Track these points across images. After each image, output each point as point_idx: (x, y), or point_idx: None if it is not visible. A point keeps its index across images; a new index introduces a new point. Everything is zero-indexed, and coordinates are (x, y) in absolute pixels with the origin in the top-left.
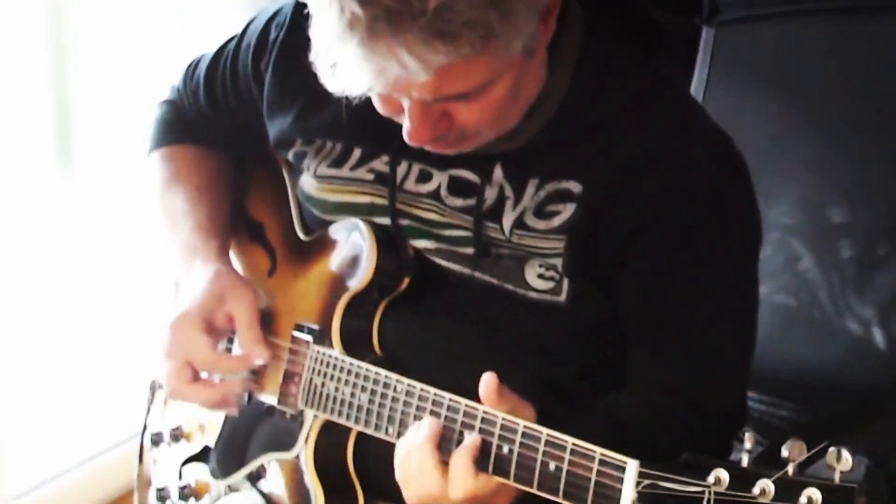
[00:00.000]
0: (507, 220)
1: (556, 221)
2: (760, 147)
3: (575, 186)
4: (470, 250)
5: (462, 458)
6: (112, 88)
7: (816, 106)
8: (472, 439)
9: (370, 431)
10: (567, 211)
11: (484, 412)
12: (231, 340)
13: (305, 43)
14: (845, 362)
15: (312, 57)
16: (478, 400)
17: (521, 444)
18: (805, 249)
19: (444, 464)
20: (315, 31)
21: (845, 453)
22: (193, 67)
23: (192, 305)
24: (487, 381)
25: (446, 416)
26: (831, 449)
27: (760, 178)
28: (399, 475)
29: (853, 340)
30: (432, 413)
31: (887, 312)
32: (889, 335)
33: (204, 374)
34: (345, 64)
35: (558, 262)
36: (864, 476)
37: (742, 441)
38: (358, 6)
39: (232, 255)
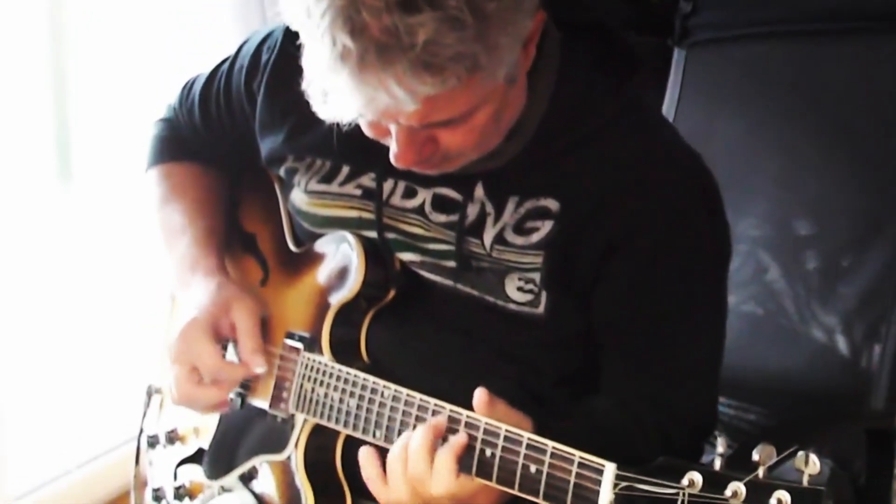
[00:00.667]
0: (488, 235)
1: (535, 238)
2: (730, 163)
3: (553, 204)
4: (453, 263)
5: (446, 455)
6: (111, 105)
7: (783, 124)
8: (457, 439)
9: (358, 435)
10: (545, 228)
11: (467, 416)
12: (226, 347)
13: (295, 65)
14: (810, 368)
15: (305, 85)
16: (460, 405)
17: (504, 448)
18: (772, 260)
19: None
20: (307, 61)
21: (813, 457)
22: (189, 87)
23: (202, 313)
24: (480, 398)
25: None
26: (800, 453)
27: (730, 192)
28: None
29: (818, 347)
30: (417, 418)
31: (850, 321)
32: (852, 342)
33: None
34: (336, 92)
35: (536, 276)
36: (829, 477)
37: (714, 445)
38: (349, 39)
39: (226, 264)
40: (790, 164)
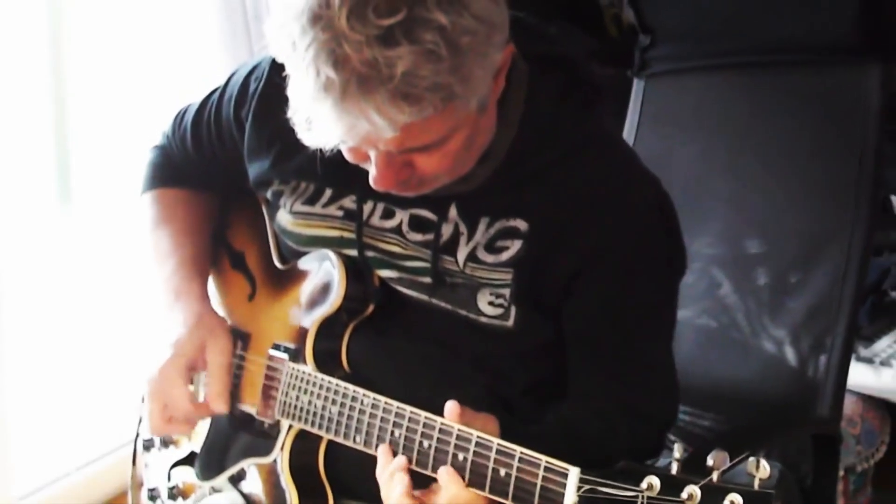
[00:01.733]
0: (461, 253)
1: (505, 256)
2: (685, 186)
3: (521, 224)
4: (428, 279)
5: (454, 481)
6: (108, 131)
7: (735, 149)
8: (446, 470)
9: (339, 440)
10: (514, 247)
11: (441, 423)
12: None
13: (281, 95)
14: (761, 377)
15: (290, 113)
16: (435, 411)
17: (475, 453)
18: (725, 277)
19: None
20: (292, 91)
21: (763, 462)
22: (181, 116)
23: (178, 353)
24: (450, 410)
25: (407, 427)
26: (751, 458)
27: (685, 213)
28: None
29: (768, 358)
30: (395, 424)
31: (798, 333)
32: (799, 353)
33: None
34: (319, 120)
35: (507, 291)
36: (778, 479)
37: (672, 450)
38: (332, 70)
39: (216, 281)
40: (742, 187)
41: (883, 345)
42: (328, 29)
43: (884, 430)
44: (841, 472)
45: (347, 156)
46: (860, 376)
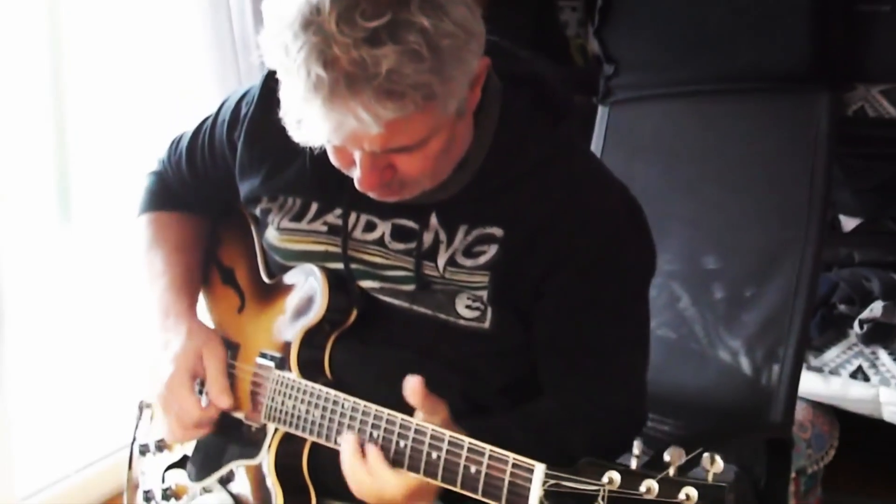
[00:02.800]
0: (441, 259)
1: (482, 260)
2: (646, 206)
3: (497, 231)
4: (410, 287)
5: (374, 454)
6: (107, 155)
7: (693, 172)
8: (371, 448)
9: (322, 442)
10: (491, 251)
11: (417, 425)
12: (203, 384)
13: (270, 116)
14: (717, 385)
15: (282, 114)
16: (411, 414)
17: (448, 451)
18: (683, 291)
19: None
20: (284, 92)
21: (717, 458)
22: (176, 142)
23: (180, 366)
24: (413, 385)
25: (385, 429)
26: (705, 455)
27: None
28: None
29: (724, 367)
30: (373, 426)
31: (752, 344)
32: (753, 363)
33: None
34: (309, 119)
35: (483, 294)
36: (734, 480)
37: (631, 448)
38: (322, 70)
39: (207, 296)
40: (699, 207)
41: (832, 355)
42: (319, 32)
43: (833, 434)
44: (793, 475)
45: (333, 159)
46: (811, 384)
